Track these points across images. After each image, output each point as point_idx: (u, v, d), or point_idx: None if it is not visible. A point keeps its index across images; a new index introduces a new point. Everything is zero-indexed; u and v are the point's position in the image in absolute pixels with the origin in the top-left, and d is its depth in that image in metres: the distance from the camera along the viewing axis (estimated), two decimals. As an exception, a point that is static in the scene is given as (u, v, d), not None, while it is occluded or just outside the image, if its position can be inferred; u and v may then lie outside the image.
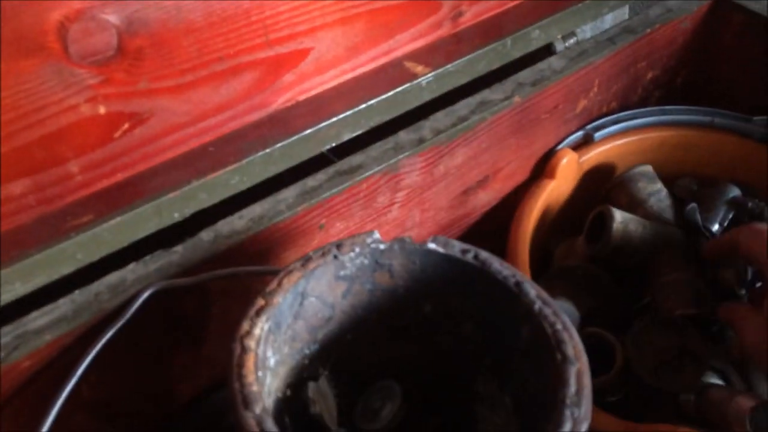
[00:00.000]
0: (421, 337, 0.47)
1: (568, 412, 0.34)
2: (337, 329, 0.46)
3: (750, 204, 0.61)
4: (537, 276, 0.64)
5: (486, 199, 0.66)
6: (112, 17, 0.42)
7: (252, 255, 0.50)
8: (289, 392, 0.43)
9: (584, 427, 0.34)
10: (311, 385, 0.45)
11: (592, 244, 0.62)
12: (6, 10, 0.38)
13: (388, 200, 0.57)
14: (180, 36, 0.45)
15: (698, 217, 0.61)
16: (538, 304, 0.40)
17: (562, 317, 0.39)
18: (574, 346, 0.38)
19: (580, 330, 0.59)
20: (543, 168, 0.66)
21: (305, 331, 0.44)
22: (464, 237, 0.67)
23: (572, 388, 0.36)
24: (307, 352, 0.45)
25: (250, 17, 0.47)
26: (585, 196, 0.69)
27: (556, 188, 0.67)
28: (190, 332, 0.50)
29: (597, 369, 0.57)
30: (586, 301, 0.60)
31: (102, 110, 0.44)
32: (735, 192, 0.64)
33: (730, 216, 0.63)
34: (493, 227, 0.68)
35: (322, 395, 0.45)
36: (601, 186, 0.69)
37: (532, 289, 0.41)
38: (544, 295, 0.41)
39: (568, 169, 0.66)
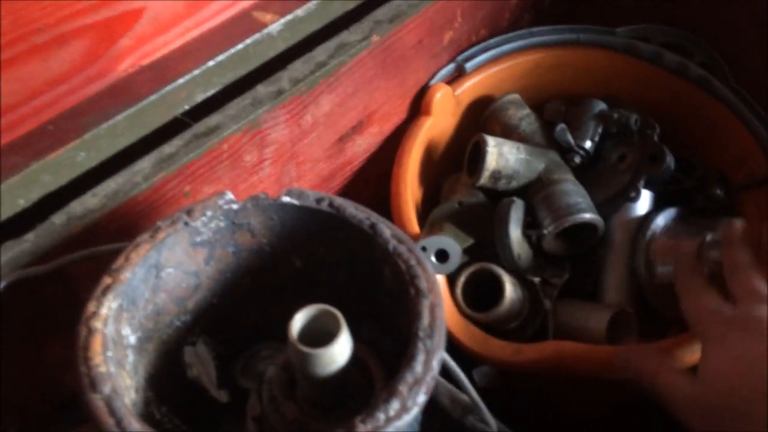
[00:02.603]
0: (299, 293, 0.47)
1: (421, 345, 0.35)
2: (208, 296, 0.45)
3: (615, 115, 0.62)
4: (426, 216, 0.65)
5: (365, 144, 0.65)
6: None
7: (113, 233, 0.48)
8: (162, 366, 0.42)
9: (436, 357, 0.35)
10: (187, 349, 0.44)
11: (473, 175, 0.62)
12: None
13: (256, 158, 0.55)
14: (-12, 9, 0.41)
15: (569, 136, 0.62)
16: (392, 243, 0.40)
17: (416, 253, 0.39)
18: (427, 279, 0.38)
19: (467, 263, 0.60)
20: (418, 106, 0.66)
21: (171, 303, 0.43)
22: (350, 185, 0.66)
23: (425, 320, 0.36)
24: (178, 323, 0.44)
25: (65, -20, 0.44)
26: (466, 128, 0.70)
27: (435, 125, 0.66)
28: (59, 320, 0.48)
29: (489, 300, 0.59)
30: (471, 232, 0.61)
31: None
32: (601, 106, 0.65)
33: (599, 130, 0.64)
34: (379, 172, 0.67)
35: (199, 359, 0.45)
36: (481, 117, 0.69)
37: (387, 230, 0.40)
38: (399, 233, 0.40)
39: (444, 104, 0.66)
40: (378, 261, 0.41)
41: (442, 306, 0.37)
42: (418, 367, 0.34)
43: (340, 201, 0.42)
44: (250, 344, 0.47)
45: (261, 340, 0.48)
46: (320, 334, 0.36)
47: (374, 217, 0.41)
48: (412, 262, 0.39)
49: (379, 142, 0.66)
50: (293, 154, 0.58)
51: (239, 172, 0.55)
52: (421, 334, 0.35)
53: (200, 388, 0.43)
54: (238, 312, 0.47)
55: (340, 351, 0.35)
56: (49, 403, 0.51)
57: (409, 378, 0.33)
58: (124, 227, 0.49)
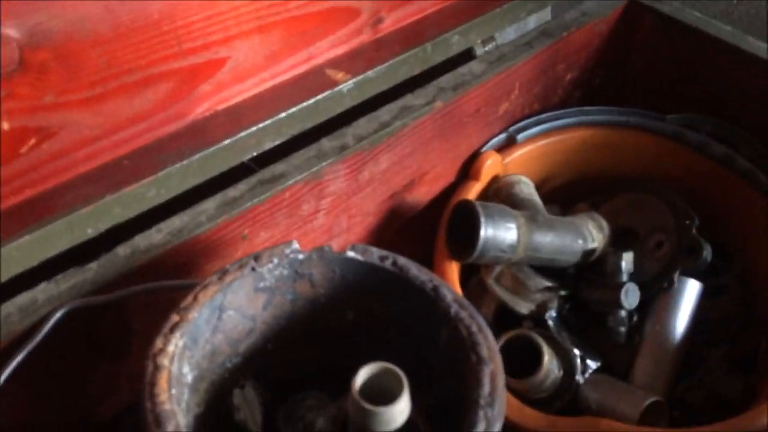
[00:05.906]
0: (345, 345, 0.47)
1: (481, 413, 0.35)
2: (260, 341, 0.46)
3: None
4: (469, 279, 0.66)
5: (413, 202, 0.66)
6: (12, 31, 0.40)
7: (173, 269, 0.49)
8: (210, 406, 0.43)
9: (497, 426, 0.35)
10: (237, 392, 0.45)
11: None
12: None
13: (313, 208, 0.57)
14: (87, 48, 0.44)
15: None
16: (454, 308, 0.41)
17: (477, 319, 0.40)
18: (488, 347, 0.38)
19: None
20: (468, 170, 0.67)
21: (226, 344, 0.44)
22: (394, 241, 0.67)
23: (486, 388, 0.36)
24: (229, 365, 0.45)
25: (160, 28, 0.46)
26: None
27: (482, 190, 0.68)
28: (109, 350, 0.49)
29: (527, 368, 0.59)
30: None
31: (5, 126, 0.43)
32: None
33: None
34: (423, 230, 0.68)
35: (247, 402, 0.45)
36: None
37: (449, 293, 0.41)
38: (461, 298, 0.41)
39: (493, 171, 0.68)
40: (436, 323, 0.42)
41: (503, 375, 0.37)
42: (479, 435, 0.34)
43: (403, 261, 0.43)
44: (294, 392, 0.48)
45: (304, 388, 0.48)
46: (378, 391, 0.36)
47: (436, 280, 0.42)
48: (474, 328, 0.39)
49: (426, 201, 0.68)
50: (347, 206, 0.60)
51: (295, 219, 0.56)
52: (482, 402, 0.36)
53: (245, 433, 0.44)
54: (287, 359, 0.47)
55: (400, 411, 0.35)
56: (85, 431, 0.51)
57: (469, 446, 0.34)
58: (181, 264, 0.50)
